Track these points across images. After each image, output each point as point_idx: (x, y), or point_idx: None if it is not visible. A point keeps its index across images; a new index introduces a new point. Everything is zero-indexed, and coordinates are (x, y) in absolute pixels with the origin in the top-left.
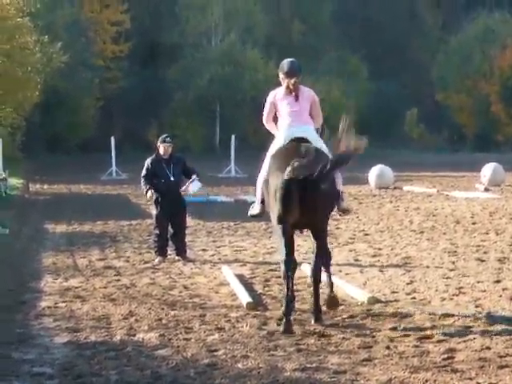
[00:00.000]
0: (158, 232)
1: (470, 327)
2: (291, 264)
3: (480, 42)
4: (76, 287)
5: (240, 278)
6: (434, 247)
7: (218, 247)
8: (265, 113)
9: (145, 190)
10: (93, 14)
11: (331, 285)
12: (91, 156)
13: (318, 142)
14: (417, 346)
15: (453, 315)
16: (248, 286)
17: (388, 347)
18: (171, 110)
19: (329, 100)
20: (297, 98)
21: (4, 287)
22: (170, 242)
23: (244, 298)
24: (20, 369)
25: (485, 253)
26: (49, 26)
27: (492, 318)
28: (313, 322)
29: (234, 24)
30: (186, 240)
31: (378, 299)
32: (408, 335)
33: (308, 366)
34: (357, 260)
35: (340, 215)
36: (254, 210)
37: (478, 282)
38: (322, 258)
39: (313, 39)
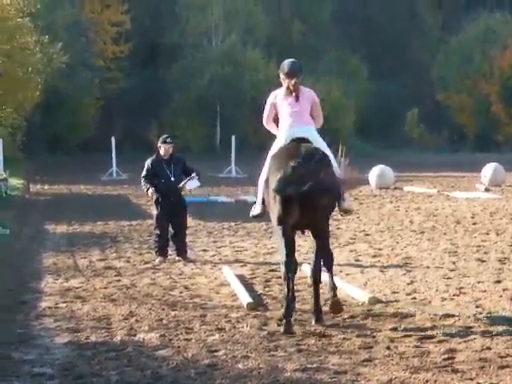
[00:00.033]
0: (158, 232)
1: (470, 327)
2: (291, 265)
3: (480, 43)
4: (76, 287)
5: (240, 278)
6: (435, 247)
7: (219, 247)
8: (265, 113)
9: (145, 189)
10: (93, 14)
11: (334, 288)
12: (91, 156)
13: (319, 142)
14: (417, 347)
15: (453, 315)
16: (248, 286)
17: (388, 347)
18: (171, 110)
19: (329, 100)
20: (297, 98)
21: (4, 287)
22: (171, 243)
23: (244, 298)
24: (20, 369)
25: (485, 253)
26: (49, 26)
27: (492, 319)
28: (313, 322)
29: (234, 24)
30: (187, 240)
31: (378, 299)
32: (408, 335)
33: (308, 366)
34: (357, 260)
35: (341, 215)
36: (255, 210)
37: (479, 283)
38: (323, 259)
39: (313, 39)
